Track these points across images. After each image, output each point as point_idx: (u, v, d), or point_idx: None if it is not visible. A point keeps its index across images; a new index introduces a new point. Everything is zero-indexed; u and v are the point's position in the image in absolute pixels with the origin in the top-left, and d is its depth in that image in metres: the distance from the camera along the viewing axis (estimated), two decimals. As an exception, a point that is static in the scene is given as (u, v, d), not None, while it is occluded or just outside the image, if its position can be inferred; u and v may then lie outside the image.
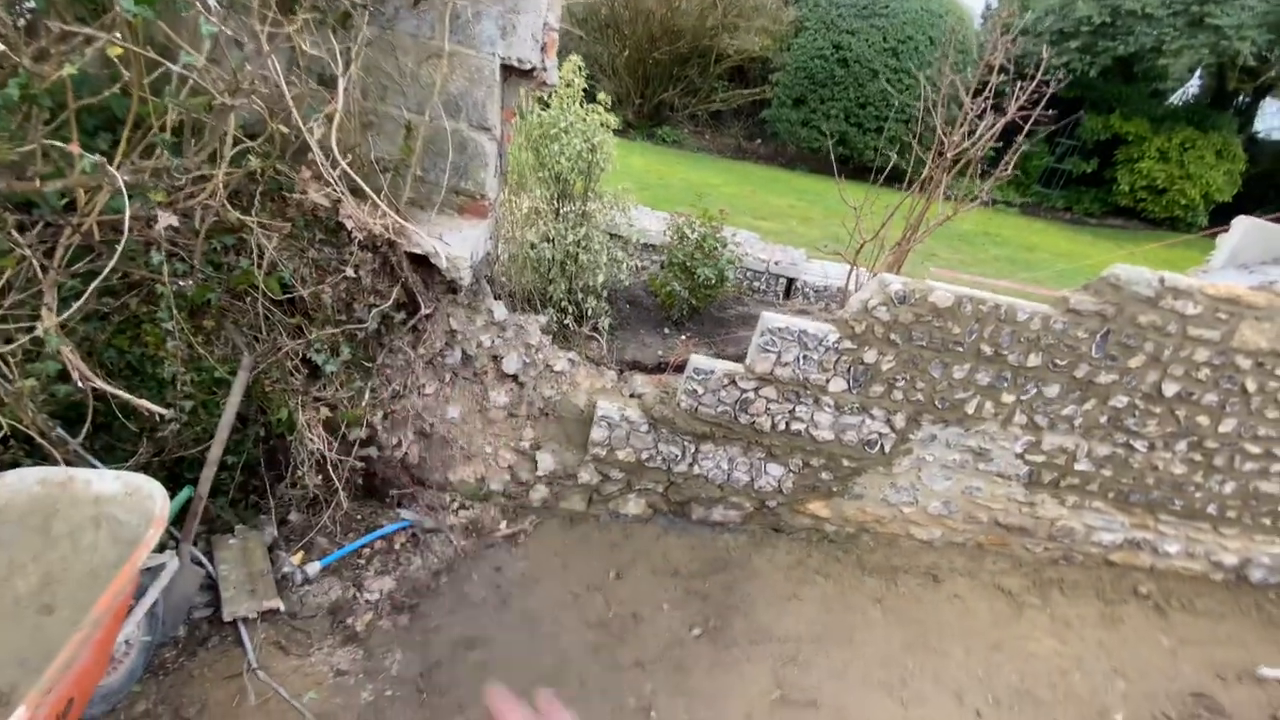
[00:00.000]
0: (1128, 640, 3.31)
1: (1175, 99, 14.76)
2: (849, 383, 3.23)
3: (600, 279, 3.85)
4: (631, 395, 3.61)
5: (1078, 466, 3.44)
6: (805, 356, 3.17)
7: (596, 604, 3.02)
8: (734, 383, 3.23)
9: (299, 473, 2.82)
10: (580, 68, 3.69)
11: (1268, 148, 14.70)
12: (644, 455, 3.39)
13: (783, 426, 3.32)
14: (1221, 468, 3.45)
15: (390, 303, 2.65)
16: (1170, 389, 3.24)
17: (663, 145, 13.12)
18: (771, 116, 13.06)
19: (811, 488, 3.49)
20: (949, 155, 3.88)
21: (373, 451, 2.96)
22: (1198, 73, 14.02)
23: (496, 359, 3.22)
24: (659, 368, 3.93)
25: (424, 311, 2.77)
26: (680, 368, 3.37)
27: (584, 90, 3.85)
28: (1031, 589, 3.50)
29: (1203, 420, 3.32)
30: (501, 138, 3.07)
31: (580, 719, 0.70)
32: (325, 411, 2.70)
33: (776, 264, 5.57)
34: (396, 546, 3.06)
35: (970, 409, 3.28)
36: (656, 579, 3.22)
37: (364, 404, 2.79)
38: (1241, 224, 3.81)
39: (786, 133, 12.79)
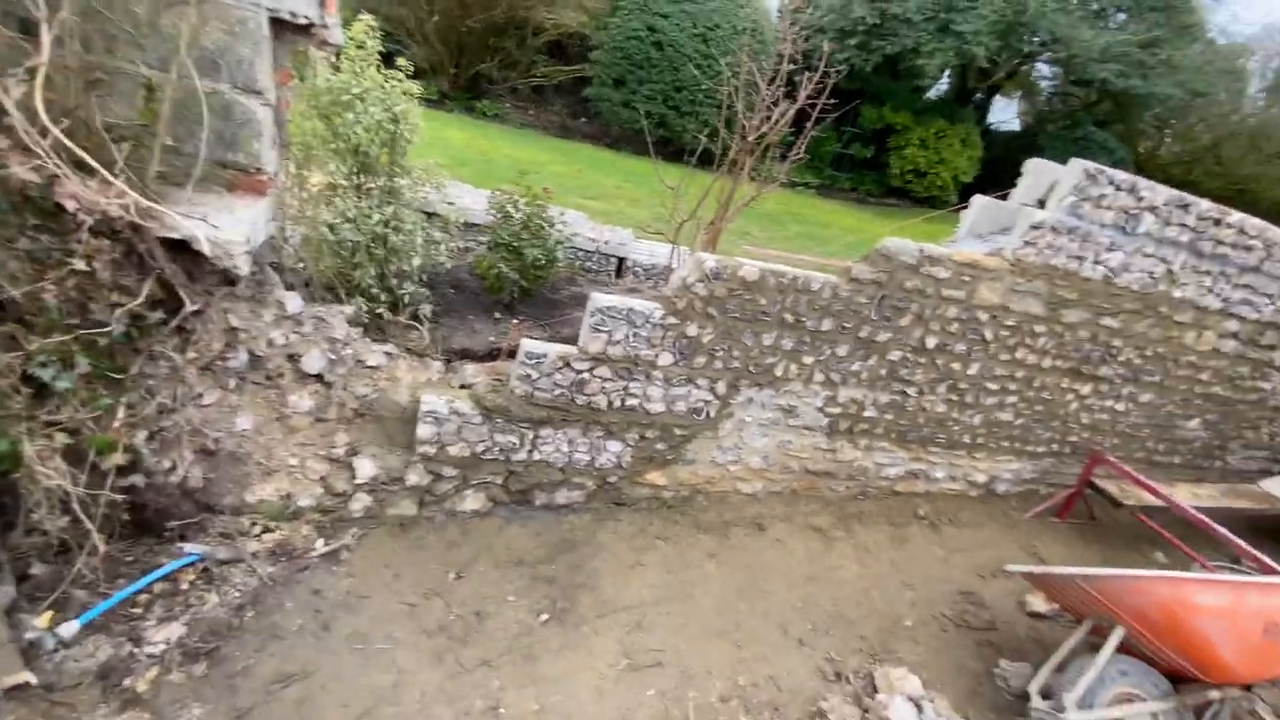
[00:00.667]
0: (913, 556, 3.92)
1: (931, 94, 17.38)
2: (675, 356, 3.37)
3: (416, 262, 3.56)
4: (461, 386, 3.43)
5: (866, 414, 3.96)
6: (635, 334, 3.24)
7: (435, 609, 2.86)
8: (568, 365, 3.21)
9: (35, 516, 2.27)
10: (373, 28, 3.34)
11: (999, 137, 18.03)
12: (479, 448, 3.26)
13: (618, 403, 3.38)
14: (971, 404, 4.19)
15: (141, 300, 2.19)
16: (931, 342, 3.84)
17: (484, 119, 12.53)
18: (594, 95, 13.06)
19: (649, 459, 3.61)
20: (750, 139, 4.16)
21: (138, 480, 2.47)
22: (947, 72, 16.62)
23: (294, 358, 2.86)
24: (491, 355, 3.77)
25: (190, 308, 2.33)
26: (513, 353, 3.27)
27: (384, 54, 3.49)
28: (838, 524, 3.99)
29: (956, 366, 3.99)
30: (278, 103, 2.68)
31: None
32: (63, 438, 2.19)
33: (606, 244, 5.62)
34: (184, 586, 2.62)
35: (779, 372, 3.61)
36: (501, 571, 3.13)
37: (117, 424, 2.31)
38: (977, 202, 4.56)
39: (609, 113, 12.89)
